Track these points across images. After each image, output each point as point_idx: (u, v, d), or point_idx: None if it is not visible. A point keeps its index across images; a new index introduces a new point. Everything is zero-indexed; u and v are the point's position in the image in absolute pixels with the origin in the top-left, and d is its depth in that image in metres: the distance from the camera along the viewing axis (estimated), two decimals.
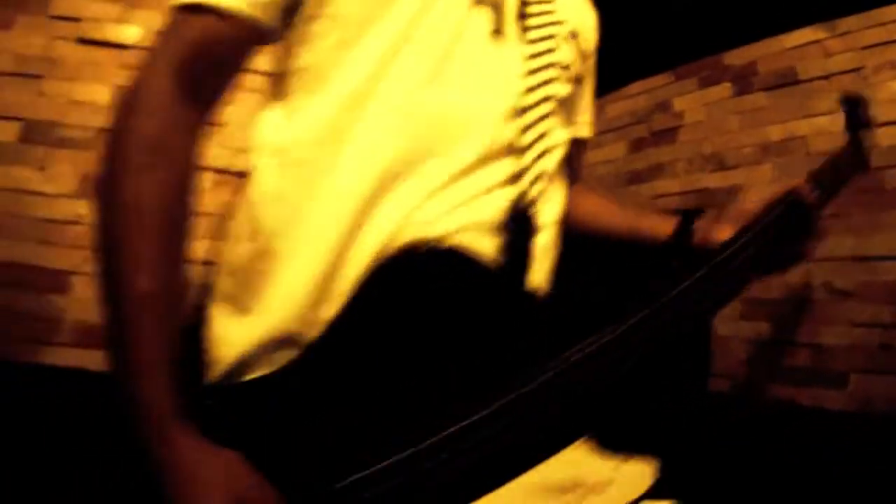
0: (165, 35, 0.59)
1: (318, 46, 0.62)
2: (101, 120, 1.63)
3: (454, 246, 0.57)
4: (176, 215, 0.55)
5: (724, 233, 0.69)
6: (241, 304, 0.59)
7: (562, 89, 0.71)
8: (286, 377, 0.55)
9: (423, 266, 0.56)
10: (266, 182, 0.61)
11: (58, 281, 1.59)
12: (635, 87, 2.03)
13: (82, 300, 1.57)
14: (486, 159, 0.61)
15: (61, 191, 1.62)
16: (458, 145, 0.60)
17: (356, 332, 0.55)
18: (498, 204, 0.61)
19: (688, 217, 0.76)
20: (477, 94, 0.62)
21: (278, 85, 0.66)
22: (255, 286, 0.59)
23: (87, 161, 1.62)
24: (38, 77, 1.67)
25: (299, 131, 0.61)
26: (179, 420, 0.51)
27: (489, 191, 0.61)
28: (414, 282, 0.56)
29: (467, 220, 0.59)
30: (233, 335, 0.58)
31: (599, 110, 2.20)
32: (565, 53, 0.72)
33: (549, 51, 0.67)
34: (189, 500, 0.49)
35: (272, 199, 0.60)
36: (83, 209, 1.61)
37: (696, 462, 0.66)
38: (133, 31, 1.69)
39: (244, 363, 0.57)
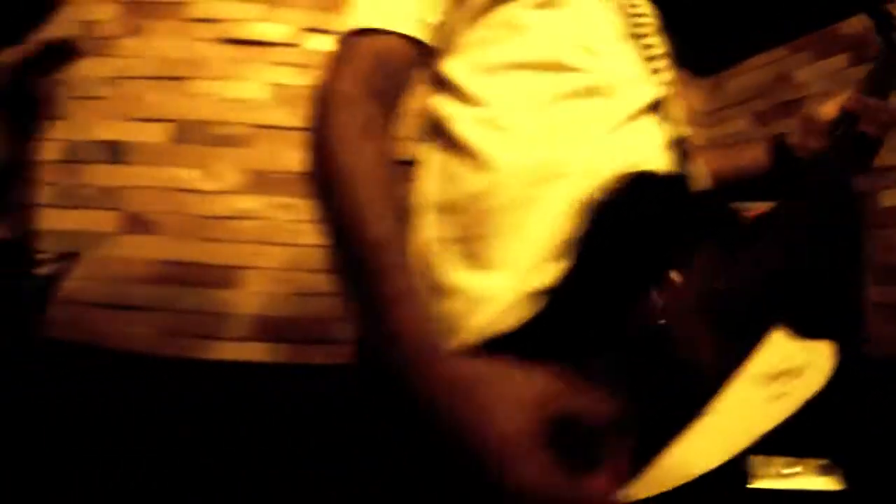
0: (344, 53, 0.68)
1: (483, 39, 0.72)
2: (256, 116, 1.67)
3: (657, 175, 0.66)
4: (391, 180, 0.61)
5: (816, 142, 0.80)
6: (483, 263, 0.64)
7: (669, 70, 0.82)
8: (536, 325, 0.59)
9: (643, 192, 0.64)
10: (486, 150, 0.68)
11: (224, 276, 1.62)
12: (754, 61, 2.07)
13: (254, 294, 1.61)
14: (646, 110, 0.72)
15: (221, 188, 1.65)
16: (629, 104, 0.70)
17: (593, 268, 0.61)
18: (664, 145, 0.72)
19: (780, 139, 0.86)
20: (627, 66, 0.74)
21: (444, 72, 0.75)
22: (499, 244, 0.64)
23: (247, 157, 1.66)
24: (183, 79, 1.70)
25: (495, 105, 0.69)
26: (442, 345, 0.51)
27: (660, 136, 0.72)
28: (640, 207, 0.63)
29: (656, 155, 0.70)
30: (483, 294, 0.62)
31: (718, 86, 2.25)
32: (660, 42, 0.83)
33: (650, 36, 0.79)
34: (486, 417, 0.45)
35: (500, 163, 0.66)
36: (245, 204, 1.65)
37: (840, 421, 0.71)
38: (279, 29, 1.72)
39: (498, 319, 0.61)
